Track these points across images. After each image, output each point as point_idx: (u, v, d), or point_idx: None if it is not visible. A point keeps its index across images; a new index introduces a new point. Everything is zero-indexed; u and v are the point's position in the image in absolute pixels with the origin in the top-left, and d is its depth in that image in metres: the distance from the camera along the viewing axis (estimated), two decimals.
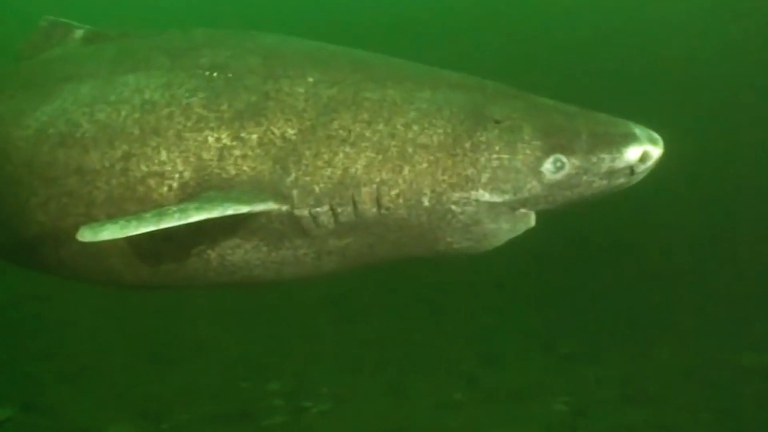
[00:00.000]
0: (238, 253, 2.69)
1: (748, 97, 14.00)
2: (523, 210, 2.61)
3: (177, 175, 2.60)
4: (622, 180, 2.57)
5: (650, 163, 2.56)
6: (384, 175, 2.51)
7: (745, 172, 11.79)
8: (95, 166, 2.69)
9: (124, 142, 2.66)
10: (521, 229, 2.66)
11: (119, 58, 2.94)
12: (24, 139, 2.85)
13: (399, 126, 2.55)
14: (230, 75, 2.71)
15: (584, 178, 2.53)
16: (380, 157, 2.52)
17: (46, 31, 3.32)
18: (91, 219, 2.66)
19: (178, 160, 2.60)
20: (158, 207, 2.52)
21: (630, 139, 2.52)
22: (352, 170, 2.52)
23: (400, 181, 2.51)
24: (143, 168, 2.63)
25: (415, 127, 2.54)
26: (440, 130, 2.53)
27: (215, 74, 2.72)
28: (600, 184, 2.56)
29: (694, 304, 9.19)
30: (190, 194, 2.58)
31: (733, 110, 13.40)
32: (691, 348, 8.29)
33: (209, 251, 2.69)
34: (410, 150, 2.52)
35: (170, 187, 2.61)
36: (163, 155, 2.61)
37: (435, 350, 8.44)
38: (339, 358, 8.26)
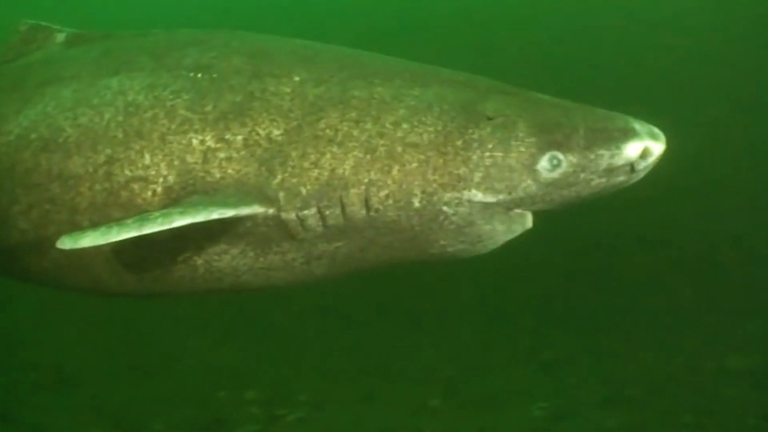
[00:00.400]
0: (225, 259, 2.62)
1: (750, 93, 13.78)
2: (518, 210, 2.51)
3: (161, 180, 2.54)
4: (621, 178, 2.46)
5: (651, 159, 2.44)
6: (372, 176, 2.43)
7: (728, 172, 11.60)
8: (78, 172, 2.64)
9: (107, 146, 2.62)
10: (518, 230, 2.56)
11: (102, 60, 2.89)
12: (5, 144, 2.80)
13: (388, 125, 2.47)
14: (215, 75, 2.65)
15: (582, 176, 2.42)
16: (368, 157, 2.44)
17: (25, 36, 3.27)
18: (74, 226, 2.61)
19: (162, 164, 2.55)
20: (142, 212, 2.47)
21: (630, 134, 2.41)
22: (340, 171, 2.44)
23: (389, 181, 2.42)
24: (127, 172, 2.58)
25: (405, 126, 2.46)
26: (430, 128, 2.45)
27: (200, 75, 2.66)
28: (599, 182, 2.44)
29: (681, 308, 9.04)
30: (174, 199, 2.52)
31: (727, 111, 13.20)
32: (676, 351, 8.14)
33: (195, 258, 2.63)
34: (399, 149, 2.43)
35: (154, 192, 2.55)
36: (147, 159, 2.56)
37: (415, 358, 8.36)
38: (318, 366, 8.23)
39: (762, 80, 13.84)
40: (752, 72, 14.28)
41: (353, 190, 2.44)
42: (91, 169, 2.62)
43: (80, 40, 3.17)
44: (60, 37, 3.21)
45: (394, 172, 2.42)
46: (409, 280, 8.95)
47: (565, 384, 7.71)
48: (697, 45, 16.18)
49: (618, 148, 2.39)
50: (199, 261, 2.64)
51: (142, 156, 2.57)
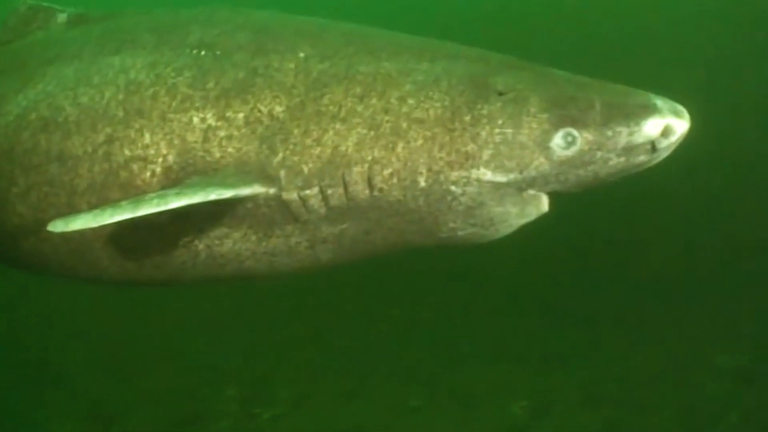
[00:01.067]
0: (227, 243, 2.52)
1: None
2: (531, 191, 2.36)
3: (160, 159, 2.46)
4: (642, 158, 2.30)
5: (674, 138, 2.28)
6: (376, 153, 2.32)
7: (722, 172, 11.35)
8: (77, 152, 2.55)
9: (107, 125, 2.54)
10: (532, 213, 2.41)
11: (104, 38, 2.81)
12: (4, 125, 2.73)
13: (393, 100, 2.35)
14: (218, 52, 2.56)
15: (599, 154, 2.27)
16: (372, 133, 2.33)
17: (25, 16, 3.19)
18: (73, 209, 2.52)
19: (162, 143, 2.46)
20: (141, 194, 2.39)
21: (650, 110, 2.25)
22: (343, 148, 2.33)
23: (394, 159, 2.31)
24: (126, 152, 2.49)
25: (411, 101, 2.34)
26: (437, 104, 2.33)
27: (203, 52, 2.58)
28: (617, 161, 2.29)
29: (673, 306, 8.83)
30: (174, 180, 2.44)
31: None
32: (666, 350, 7.94)
33: (196, 242, 2.53)
34: (404, 125, 2.32)
35: (153, 172, 2.47)
36: (147, 138, 2.48)
37: (400, 357, 8.25)
38: (302, 364, 8.17)
39: None
40: None
41: (356, 168, 2.33)
42: (90, 149, 2.54)
43: (83, 19, 3.10)
44: (62, 17, 3.15)
45: (399, 149, 2.31)
46: (397, 278, 8.96)
47: (549, 382, 7.56)
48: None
49: (637, 124, 2.24)
50: (201, 246, 2.54)
51: (142, 135, 2.49)
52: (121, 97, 2.57)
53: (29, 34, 3.16)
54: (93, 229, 2.27)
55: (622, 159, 2.29)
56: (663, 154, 2.34)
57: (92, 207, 2.45)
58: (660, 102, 2.29)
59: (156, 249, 2.58)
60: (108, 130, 2.54)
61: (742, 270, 9.22)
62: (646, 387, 7.24)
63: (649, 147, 2.28)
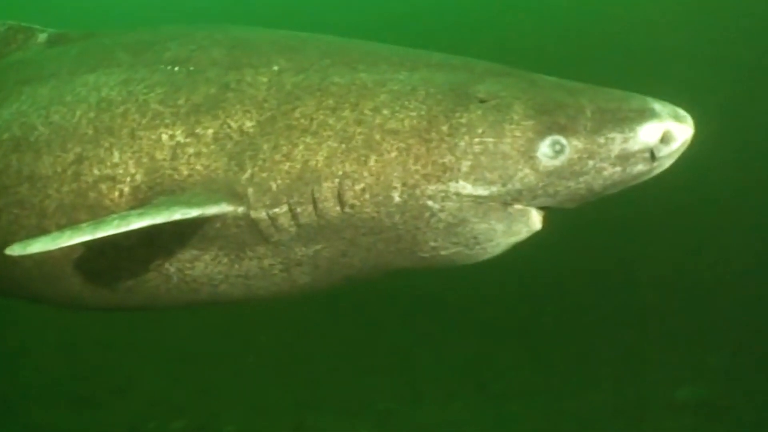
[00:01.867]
0: (198, 266, 2.40)
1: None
2: (518, 206, 2.17)
3: (129, 179, 2.35)
4: (640, 167, 2.10)
5: (676, 145, 2.08)
6: (347, 168, 2.16)
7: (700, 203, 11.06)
8: (47, 172, 2.47)
9: (77, 143, 2.45)
10: (521, 231, 2.21)
11: (81, 57, 2.74)
12: None
13: (366, 111, 2.20)
14: (192, 68, 2.46)
15: (591, 163, 2.07)
16: (344, 146, 2.18)
17: (5, 36, 3.12)
18: (44, 231, 2.41)
19: (131, 162, 2.36)
20: (110, 214, 2.27)
21: (646, 115, 2.06)
22: (312, 163, 2.19)
23: (366, 173, 2.15)
24: (95, 172, 2.40)
25: (385, 111, 2.18)
26: (413, 113, 2.16)
27: (176, 68, 2.48)
28: (612, 171, 2.09)
29: (635, 338, 8.59)
30: (142, 200, 2.33)
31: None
32: (628, 384, 7.70)
33: (167, 266, 2.42)
34: (378, 137, 2.16)
35: (121, 192, 2.36)
36: (116, 157, 2.38)
37: (354, 389, 8.04)
38: (253, 397, 7.96)
39: None
40: None
41: (326, 184, 2.18)
42: (59, 169, 2.45)
43: (63, 39, 3.02)
44: (42, 37, 3.08)
45: (371, 162, 2.15)
46: (358, 308, 8.76)
47: (504, 417, 7.31)
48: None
49: (632, 130, 2.05)
50: (172, 269, 2.42)
51: (111, 154, 2.39)
52: (92, 115, 2.48)
53: (8, 54, 3.08)
54: (63, 253, 2.22)
55: (618, 169, 2.09)
56: (665, 164, 2.12)
57: (61, 228, 2.33)
58: (658, 106, 2.10)
59: (127, 273, 2.47)
60: (77, 149, 2.45)
61: (705, 300, 8.98)
62: (605, 422, 7.02)
63: (647, 155, 2.08)
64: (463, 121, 2.12)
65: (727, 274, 9.65)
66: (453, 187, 2.11)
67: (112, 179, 2.37)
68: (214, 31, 2.67)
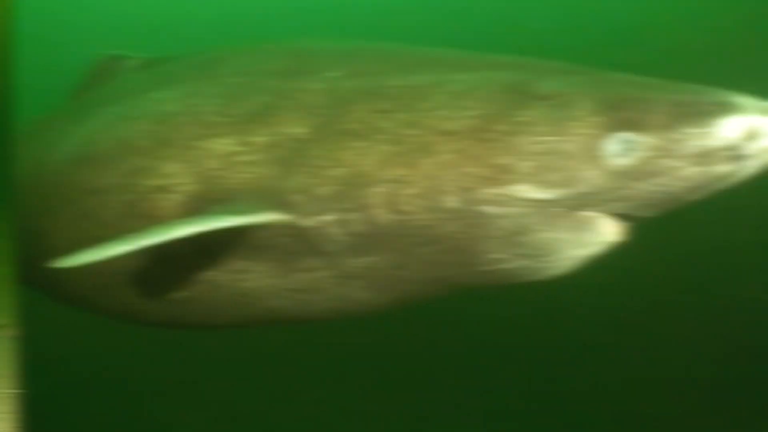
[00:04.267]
0: (250, 278, 2.38)
1: None
2: (588, 213, 2.02)
3: (181, 189, 2.37)
4: (725, 167, 1.89)
5: (765, 141, 1.88)
6: (399, 171, 2.05)
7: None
8: (106, 184, 2.58)
9: (134, 155, 2.53)
10: (591, 241, 2.04)
11: (156, 77, 2.87)
12: (54, 163, 2.86)
13: (421, 112, 2.10)
14: (249, 79, 2.49)
15: (666, 163, 1.90)
16: (395, 150, 2.07)
17: (101, 66, 3.37)
18: (102, 241, 2.42)
19: (184, 172, 2.38)
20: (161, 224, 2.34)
21: (727, 108, 1.88)
22: (362, 168, 2.09)
23: (418, 177, 2.03)
24: (148, 182, 2.45)
25: (440, 112, 2.07)
26: (469, 113, 2.04)
27: (234, 79, 2.52)
28: (691, 171, 1.90)
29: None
30: (194, 209, 2.33)
31: None
32: None
33: (219, 277, 2.41)
34: (431, 139, 2.04)
35: (174, 202, 2.39)
36: (169, 167, 2.41)
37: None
38: None
39: None
40: None
41: (376, 189, 2.08)
42: (117, 181, 2.56)
43: (150, 63, 3.15)
44: (131, 63, 3.27)
45: (424, 165, 2.04)
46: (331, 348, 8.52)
47: None
48: None
49: (711, 124, 1.87)
50: (223, 281, 2.43)
51: (165, 164, 2.44)
52: (151, 128, 2.56)
53: (102, 81, 3.28)
54: (118, 264, 2.29)
55: (697, 169, 1.90)
56: (755, 163, 1.97)
57: (115, 239, 2.40)
58: (741, 99, 1.91)
59: (180, 284, 2.52)
60: (135, 160, 2.53)
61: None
62: None
63: (731, 153, 1.89)
64: (523, 119, 2.04)
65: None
66: (512, 190, 1.99)
67: (165, 189, 2.43)
68: (275, 44, 2.79)
